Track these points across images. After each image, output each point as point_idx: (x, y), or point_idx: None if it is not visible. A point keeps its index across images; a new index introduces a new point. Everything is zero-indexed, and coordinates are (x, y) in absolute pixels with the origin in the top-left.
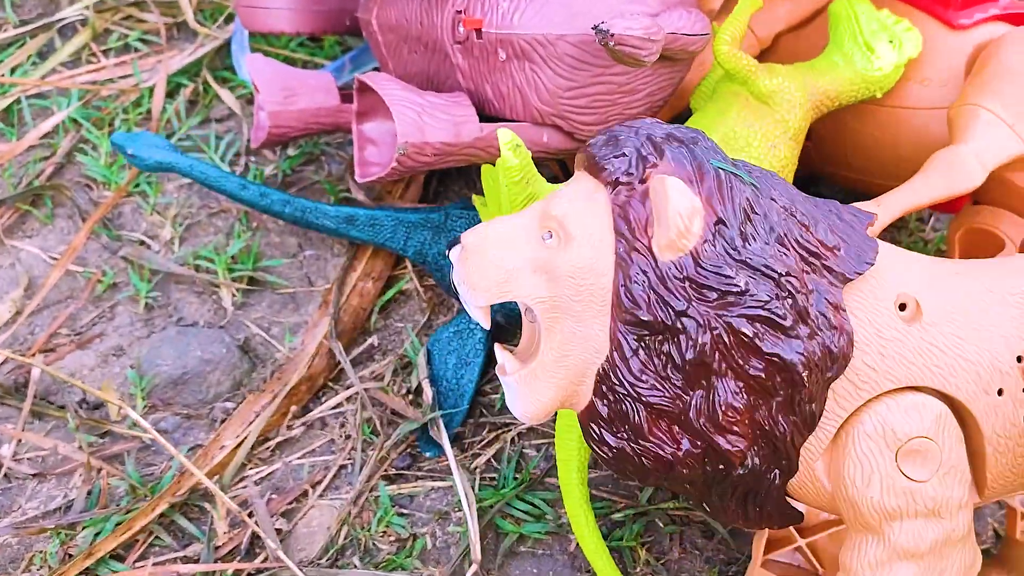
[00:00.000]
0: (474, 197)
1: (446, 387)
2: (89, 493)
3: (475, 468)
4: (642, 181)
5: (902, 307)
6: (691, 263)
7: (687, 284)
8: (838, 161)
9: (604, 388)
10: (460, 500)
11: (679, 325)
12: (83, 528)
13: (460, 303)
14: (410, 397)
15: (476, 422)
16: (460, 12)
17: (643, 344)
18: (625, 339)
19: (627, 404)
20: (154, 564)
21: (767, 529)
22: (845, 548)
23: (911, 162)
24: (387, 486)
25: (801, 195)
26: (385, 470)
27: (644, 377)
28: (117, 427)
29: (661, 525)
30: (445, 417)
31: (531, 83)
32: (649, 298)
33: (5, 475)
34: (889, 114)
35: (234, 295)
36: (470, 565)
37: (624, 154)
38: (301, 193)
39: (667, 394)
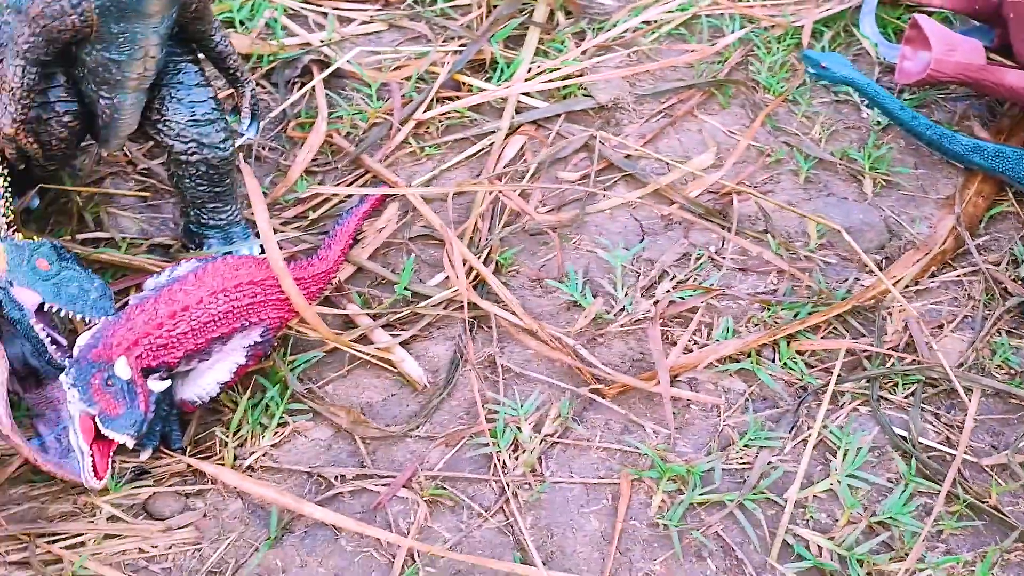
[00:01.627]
0: None
1: None
2: (786, 291)
3: None
4: None
5: None
6: None
7: None
8: None
9: None
10: None
11: None
12: (782, 309)
13: None
14: (1019, 283)
15: None
16: None
17: None
18: None
19: None
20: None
21: None
22: None
23: None
24: (1001, 337)
25: None
26: (999, 326)
27: None
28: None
29: None
30: None
31: None
32: None
33: (716, 266)
34: None
35: (875, 184)
36: None
37: None
38: None
39: None
